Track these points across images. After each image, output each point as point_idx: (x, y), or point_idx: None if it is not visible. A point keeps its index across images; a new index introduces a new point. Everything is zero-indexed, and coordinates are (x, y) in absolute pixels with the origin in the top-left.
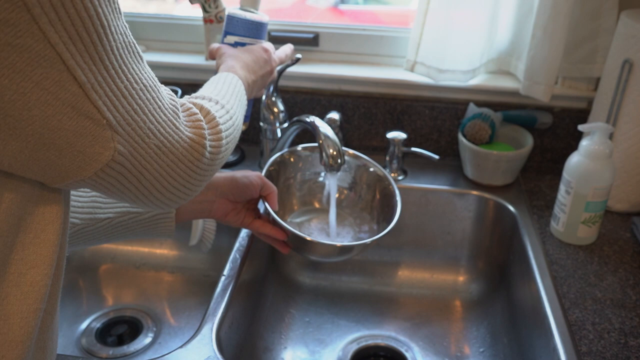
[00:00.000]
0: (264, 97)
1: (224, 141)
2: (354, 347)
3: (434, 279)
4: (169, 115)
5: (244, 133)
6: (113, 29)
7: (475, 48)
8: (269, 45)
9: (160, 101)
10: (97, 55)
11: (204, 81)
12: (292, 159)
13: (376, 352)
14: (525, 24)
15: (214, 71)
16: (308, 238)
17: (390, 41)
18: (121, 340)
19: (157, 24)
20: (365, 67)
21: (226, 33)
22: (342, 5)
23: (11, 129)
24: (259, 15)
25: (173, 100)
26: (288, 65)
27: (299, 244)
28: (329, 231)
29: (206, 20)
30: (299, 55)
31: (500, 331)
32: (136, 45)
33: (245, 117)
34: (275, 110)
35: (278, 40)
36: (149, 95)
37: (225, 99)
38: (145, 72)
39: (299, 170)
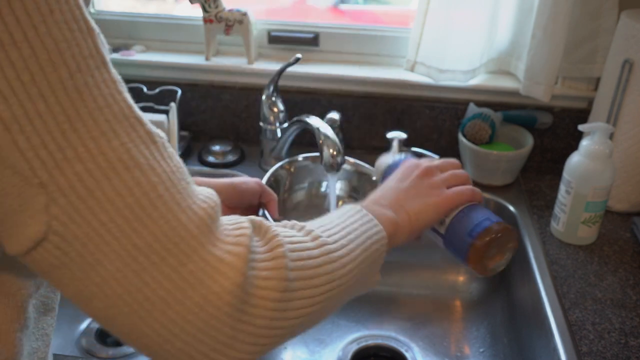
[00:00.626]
0: (264, 97)
1: (288, 272)
2: (354, 347)
3: (434, 279)
4: (187, 216)
5: (243, 133)
6: (71, 63)
7: (475, 48)
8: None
9: (170, 193)
10: (36, 89)
11: (204, 81)
12: (292, 169)
13: (376, 352)
14: (525, 23)
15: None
16: None
17: (390, 41)
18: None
19: (157, 24)
20: (365, 67)
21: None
22: (342, 5)
23: None
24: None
25: (210, 201)
26: (288, 65)
27: None
28: None
29: (206, 20)
30: (298, 55)
31: (501, 331)
32: (134, 112)
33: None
34: (275, 110)
35: (278, 40)
36: (139, 176)
37: (322, 227)
38: (144, 149)
39: (300, 181)
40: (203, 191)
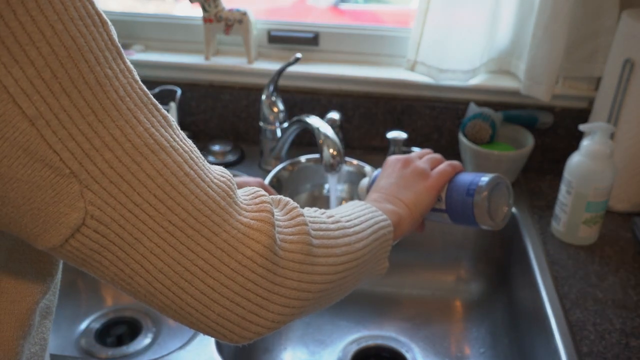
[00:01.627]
0: (264, 97)
1: (314, 240)
2: (354, 348)
3: (435, 279)
4: (210, 189)
5: (243, 133)
6: (90, 57)
7: (475, 47)
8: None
9: (193, 169)
10: (58, 85)
11: (204, 81)
12: (294, 170)
13: (376, 353)
14: (526, 23)
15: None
16: None
17: (391, 41)
18: (120, 341)
19: (156, 24)
20: (365, 67)
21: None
22: (342, 5)
23: None
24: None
25: (226, 176)
26: (288, 65)
27: None
28: None
29: (206, 20)
30: (298, 55)
31: (501, 332)
32: (150, 98)
33: None
34: (275, 110)
35: (278, 40)
36: (165, 158)
37: (336, 211)
38: (164, 132)
39: (302, 182)
40: (215, 167)
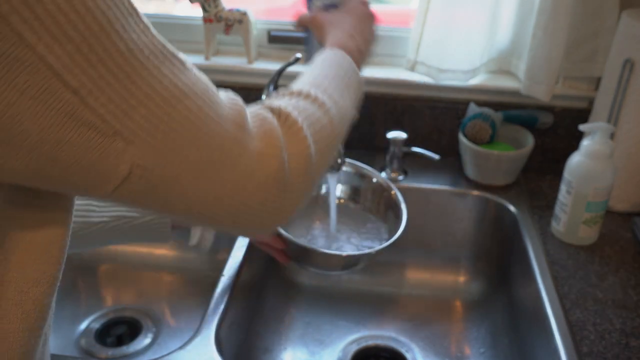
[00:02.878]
0: (264, 97)
1: (312, 149)
2: (354, 348)
3: (435, 279)
4: (225, 125)
5: None
6: (120, 27)
7: (475, 47)
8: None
9: (210, 108)
10: (96, 57)
11: None
12: None
13: (376, 353)
14: (526, 23)
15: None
16: (315, 249)
17: (391, 41)
18: (120, 341)
19: (156, 24)
20: (365, 67)
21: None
22: None
23: (7, 145)
24: None
25: (236, 105)
26: (288, 65)
27: (299, 254)
28: (329, 233)
29: (206, 20)
30: (298, 55)
31: (501, 332)
32: (166, 47)
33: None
34: None
35: (278, 40)
36: (188, 103)
37: (323, 87)
38: (184, 78)
39: None
40: (224, 96)
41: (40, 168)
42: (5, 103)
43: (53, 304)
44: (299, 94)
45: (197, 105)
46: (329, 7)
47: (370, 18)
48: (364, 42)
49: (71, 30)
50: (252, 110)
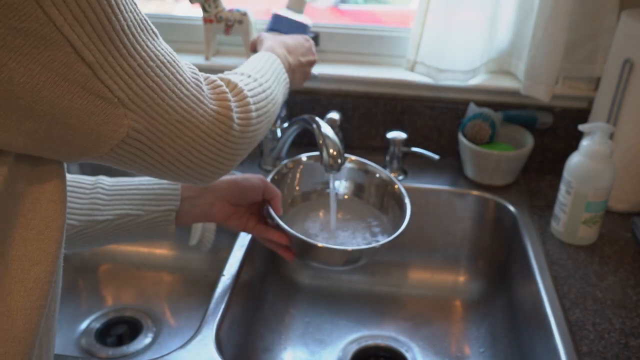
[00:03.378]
0: None
1: (253, 113)
2: (354, 348)
3: (434, 279)
4: (191, 89)
5: None
6: (122, 7)
7: (475, 48)
8: (310, 40)
9: (181, 76)
10: (107, 35)
11: None
12: (296, 168)
13: (376, 353)
14: (525, 23)
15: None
16: (320, 244)
17: (390, 41)
18: (121, 341)
19: (156, 24)
20: (365, 67)
21: (270, 30)
22: (342, 5)
23: (24, 110)
24: (304, 18)
25: (195, 74)
26: None
27: (304, 250)
28: (329, 230)
29: (206, 20)
30: None
31: (501, 331)
32: (148, 22)
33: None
34: None
35: None
36: (166, 71)
37: (258, 73)
38: (162, 49)
39: (304, 179)
40: (184, 64)
41: (50, 129)
42: (28, 74)
43: (59, 285)
44: (242, 73)
45: (171, 72)
46: (275, 31)
47: (309, 52)
48: (294, 58)
49: (90, 12)
50: (206, 76)
